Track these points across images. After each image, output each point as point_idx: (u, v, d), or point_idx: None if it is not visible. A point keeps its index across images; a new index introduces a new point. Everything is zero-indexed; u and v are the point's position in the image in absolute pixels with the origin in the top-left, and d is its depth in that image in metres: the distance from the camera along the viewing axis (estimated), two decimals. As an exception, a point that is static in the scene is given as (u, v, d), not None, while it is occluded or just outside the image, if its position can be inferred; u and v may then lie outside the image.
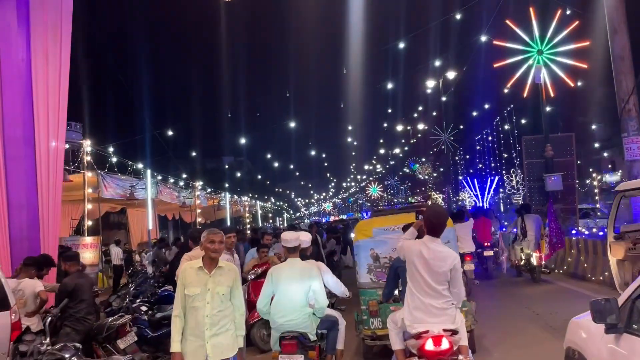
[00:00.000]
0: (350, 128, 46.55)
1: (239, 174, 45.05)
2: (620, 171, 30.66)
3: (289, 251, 5.07)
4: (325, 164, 72.65)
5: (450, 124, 39.18)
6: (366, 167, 76.08)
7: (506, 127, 28.40)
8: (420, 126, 44.55)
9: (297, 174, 68.55)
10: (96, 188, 15.24)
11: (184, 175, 24.07)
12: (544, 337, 7.18)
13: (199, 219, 23.34)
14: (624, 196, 8.17)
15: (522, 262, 12.07)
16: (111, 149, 18.38)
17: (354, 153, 62.54)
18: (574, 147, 15.66)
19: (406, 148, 55.80)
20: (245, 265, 8.05)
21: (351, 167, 78.22)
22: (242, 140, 30.26)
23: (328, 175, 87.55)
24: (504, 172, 24.75)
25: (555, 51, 16.24)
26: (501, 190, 24.81)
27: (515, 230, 12.62)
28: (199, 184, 23.11)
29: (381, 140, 57.16)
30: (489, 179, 25.42)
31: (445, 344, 3.95)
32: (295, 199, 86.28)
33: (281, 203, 67.32)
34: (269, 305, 4.97)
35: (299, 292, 4.89)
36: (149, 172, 18.00)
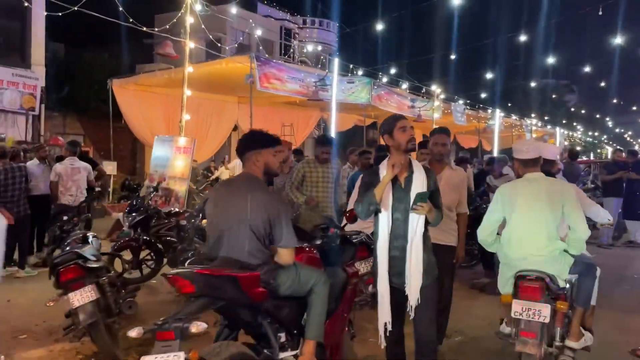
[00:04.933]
0: None
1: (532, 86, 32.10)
2: None
3: (525, 165, 3.87)
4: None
5: None
6: None
7: None
8: None
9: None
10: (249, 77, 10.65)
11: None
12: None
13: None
14: None
15: None
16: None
17: None
18: None
19: None
20: None
21: None
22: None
23: None
24: None
25: None
26: None
27: None
28: (437, 89, 16.31)
29: None
30: None
31: None
32: (620, 131, 65.24)
33: (598, 133, 51.50)
34: (497, 235, 3.93)
35: (546, 217, 3.64)
36: (336, 62, 12.43)
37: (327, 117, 15.97)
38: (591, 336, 4.06)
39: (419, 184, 3.19)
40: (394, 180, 3.24)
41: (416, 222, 3.16)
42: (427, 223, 3.24)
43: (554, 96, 46.68)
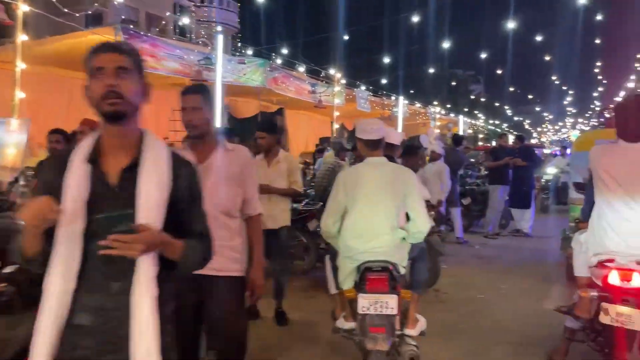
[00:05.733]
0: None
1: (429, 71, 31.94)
2: None
3: (367, 146, 3.60)
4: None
5: None
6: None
7: None
8: None
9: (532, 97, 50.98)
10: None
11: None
12: None
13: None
14: None
15: None
16: None
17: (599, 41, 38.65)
18: None
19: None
20: None
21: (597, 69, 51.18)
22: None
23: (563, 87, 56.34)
24: None
25: None
26: None
27: None
28: (337, 73, 15.74)
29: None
30: None
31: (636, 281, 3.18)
32: (519, 119, 68.45)
33: (499, 122, 53.67)
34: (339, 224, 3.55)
35: (389, 208, 3.47)
36: (220, 39, 11.38)
37: (231, 101, 14.89)
38: (425, 320, 3.98)
39: (152, 182, 1.64)
40: (98, 175, 1.65)
41: (141, 262, 1.59)
42: (171, 265, 1.69)
43: (453, 83, 48.16)
